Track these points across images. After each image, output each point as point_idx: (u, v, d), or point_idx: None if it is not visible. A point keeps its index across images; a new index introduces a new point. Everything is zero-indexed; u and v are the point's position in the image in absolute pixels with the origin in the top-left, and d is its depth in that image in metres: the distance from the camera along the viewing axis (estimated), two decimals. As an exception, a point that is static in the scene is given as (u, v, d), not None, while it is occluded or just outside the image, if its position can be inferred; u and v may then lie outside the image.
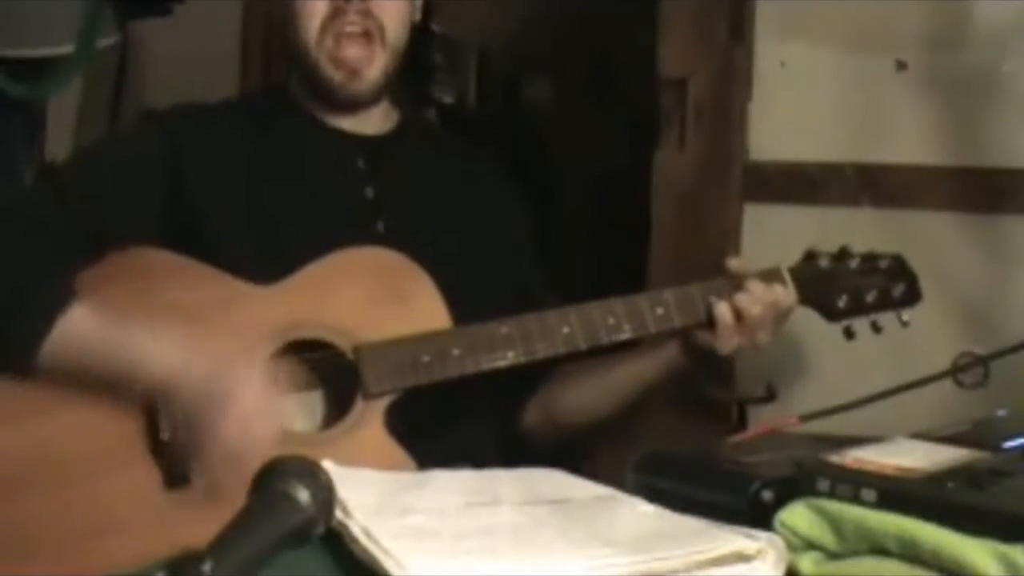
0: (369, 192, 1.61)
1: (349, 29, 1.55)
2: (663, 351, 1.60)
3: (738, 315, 1.52)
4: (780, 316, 1.55)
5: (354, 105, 1.61)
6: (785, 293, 1.55)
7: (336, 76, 1.57)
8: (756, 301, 1.52)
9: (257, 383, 1.36)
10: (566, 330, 1.49)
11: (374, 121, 1.66)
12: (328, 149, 1.62)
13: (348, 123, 1.63)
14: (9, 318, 1.37)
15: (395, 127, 1.68)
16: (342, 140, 1.63)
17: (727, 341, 1.52)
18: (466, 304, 1.50)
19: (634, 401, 1.66)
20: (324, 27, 1.55)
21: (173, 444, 1.39)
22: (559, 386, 1.66)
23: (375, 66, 1.58)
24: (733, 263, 1.57)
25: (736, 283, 1.54)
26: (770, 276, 1.56)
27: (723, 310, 1.52)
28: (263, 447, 1.31)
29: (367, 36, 1.56)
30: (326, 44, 1.55)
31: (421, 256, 1.50)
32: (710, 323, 1.53)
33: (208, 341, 1.37)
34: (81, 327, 1.37)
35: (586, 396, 1.66)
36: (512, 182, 1.76)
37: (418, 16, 1.66)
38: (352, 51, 1.55)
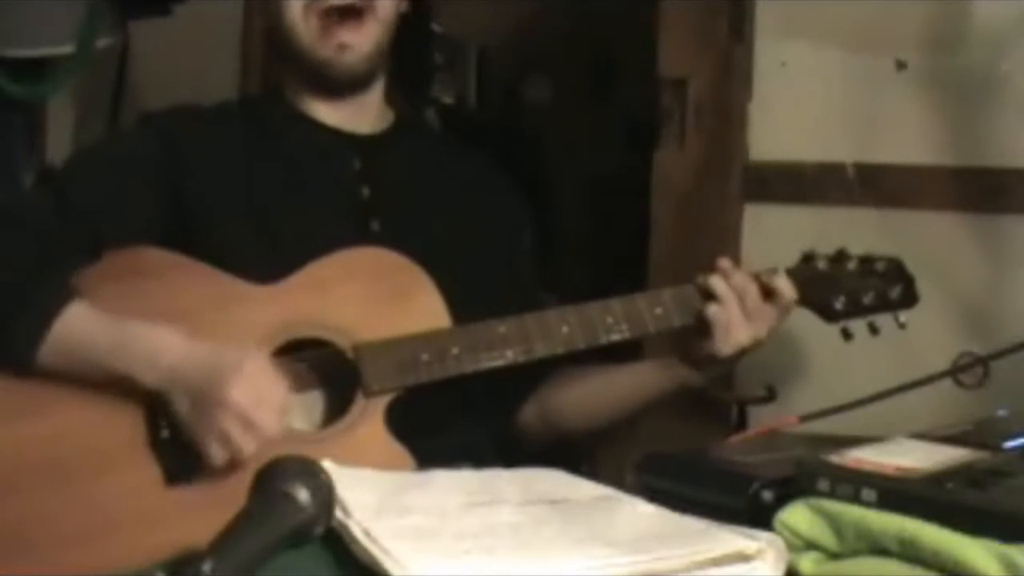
0: (365, 191, 1.61)
1: (336, 3, 1.55)
2: (669, 369, 1.60)
3: (723, 298, 1.51)
4: (781, 312, 1.55)
5: (349, 84, 1.60)
6: (787, 286, 1.54)
7: (327, 51, 1.56)
8: (730, 275, 1.52)
9: (261, 355, 1.37)
10: (565, 330, 1.49)
11: (369, 120, 1.66)
12: (324, 149, 1.62)
13: (344, 121, 1.63)
14: (9, 318, 1.37)
15: (390, 127, 1.69)
16: (338, 140, 1.63)
17: (724, 337, 1.51)
18: (461, 304, 1.50)
19: (632, 412, 1.65)
20: (307, 8, 1.56)
21: (174, 441, 1.39)
22: (558, 388, 1.66)
23: (366, 36, 1.58)
24: (723, 262, 1.56)
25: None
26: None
27: (711, 307, 1.51)
28: (275, 409, 1.34)
29: (356, 12, 1.56)
30: (311, 23, 1.56)
31: (415, 255, 1.50)
32: (702, 327, 1.53)
33: (208, 336, 1.38)
34: (81, 325, 1.37)
35: (584, 400, 1.66)
36: (508, 182, 1.76)
37: (405, 4, 1.67)
38: (340, 25, 1.56)
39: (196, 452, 1.37)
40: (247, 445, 1.33)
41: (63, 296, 1.38)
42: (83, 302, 1.39)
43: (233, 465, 1.34)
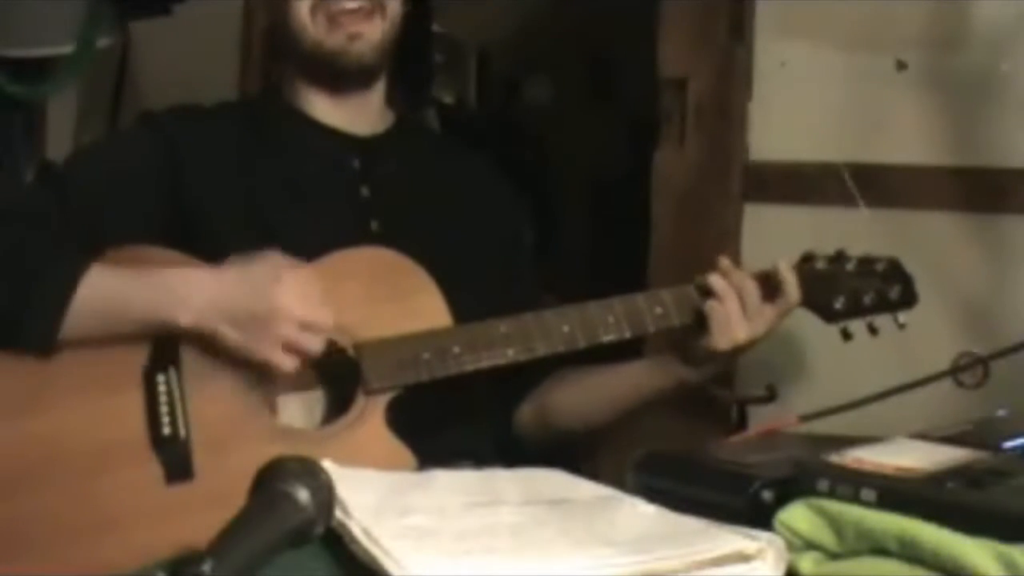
0: (364, 191, 1.62)
1: (348, 6, 1.56)
2: (666, 368, 1.60)
3: (722, 295, 1.51)
4: (782, 310, 1.55)
5: (357, 76, 1.61)
6: (793, 283, 1.54)
7: (336, 41, 1.57)
8: (730, 273, 1.52)
9: (288, 260, 1.41)
10: (565, 329, 1.49)
11: (370, 120, 1.66)
12: (324, 149, 1.62)
13: (344, 122, 1.63)
14: (28, 293, 1.37)
15: (390, 127, 1.69)
16: (337, 140, 1.63)
17: (721, 333, 1.51)
18: (461, 303, 1.50)
19: (629, 411, 1.65)
20: (315, 8, 1.56)
21: (174, 439, 1.39)
22: (554, 388, 1.66)
23: (375, 28, 1.58)
24: (723, 261, 1.56)
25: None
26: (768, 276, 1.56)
27: (709, 303, 1.52)
28: (323, 302, 1.39)
29: (366, 11, 1.57)
30: (320, 22, 1.57)
31: (415, 255, 1.50)
32: (701, 324, 1.53)
33: None
34: (107, 283, 1.39)
35: (580, 400, 1.66)
36: (508, 182, 1.77)
37: (409, 3, 1.67)
38: (349, 17, 1.57)
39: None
40: (312, 344, 1.38)
41: (82, 262, 1.39)
42: (102, 263, 1.40)
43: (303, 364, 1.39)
